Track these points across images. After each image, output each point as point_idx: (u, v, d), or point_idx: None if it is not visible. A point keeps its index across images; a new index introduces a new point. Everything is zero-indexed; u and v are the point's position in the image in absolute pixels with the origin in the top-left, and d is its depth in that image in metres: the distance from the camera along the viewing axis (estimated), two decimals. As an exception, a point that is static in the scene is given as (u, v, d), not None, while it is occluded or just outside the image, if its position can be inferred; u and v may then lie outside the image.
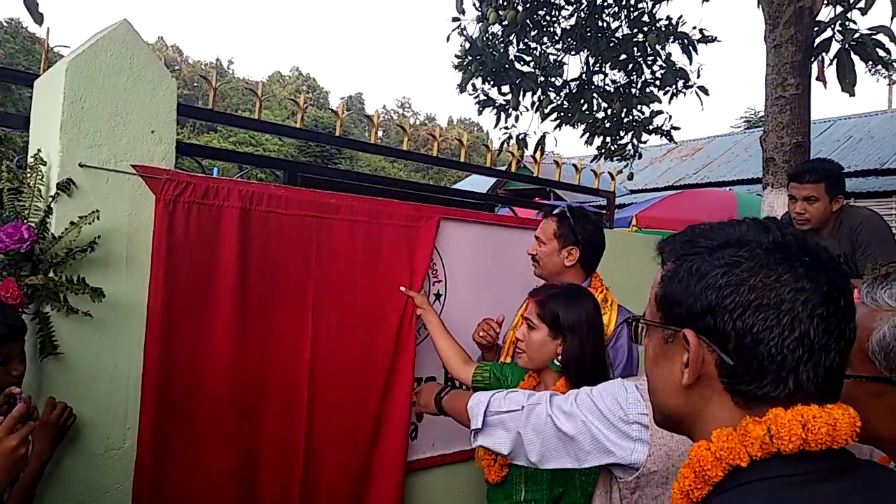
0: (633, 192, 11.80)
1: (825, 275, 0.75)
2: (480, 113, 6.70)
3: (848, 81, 3.92)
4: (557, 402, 1.43)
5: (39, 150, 1.78)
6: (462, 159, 3.03)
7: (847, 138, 11.50)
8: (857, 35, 3.58)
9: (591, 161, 7.36)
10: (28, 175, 1.75)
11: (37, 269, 1.72)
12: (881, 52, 3.86)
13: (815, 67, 3.86)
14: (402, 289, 2.44)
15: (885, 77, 14.97)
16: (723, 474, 0.74)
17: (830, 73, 4.01)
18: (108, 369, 1.85)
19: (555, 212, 2.36)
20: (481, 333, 2.38)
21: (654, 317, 0.86)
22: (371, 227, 2.38)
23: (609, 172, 3.91)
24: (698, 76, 6.51)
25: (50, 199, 1.75)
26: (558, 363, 1.96)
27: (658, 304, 0.85)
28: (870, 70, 4.20)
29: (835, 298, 0.75)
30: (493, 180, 13.20)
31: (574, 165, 3.63)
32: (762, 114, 4.12)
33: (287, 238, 2.18)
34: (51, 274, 1.74)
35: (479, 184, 13.99)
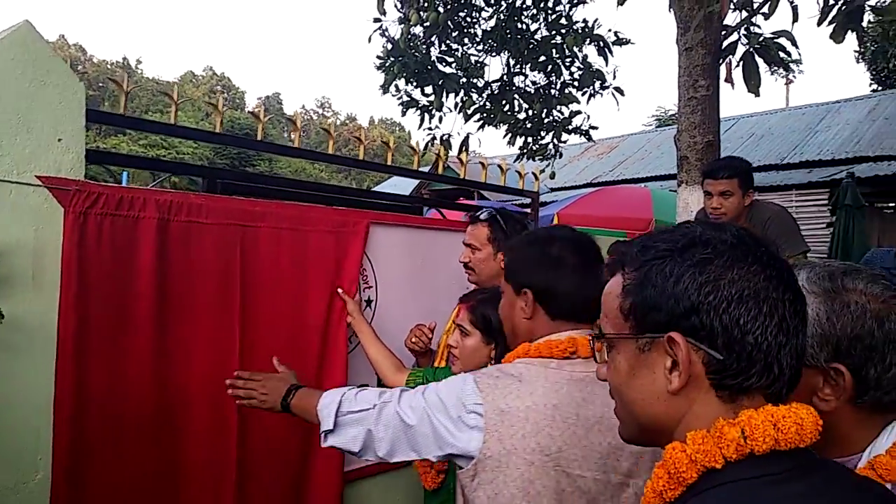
0: (553, 190, 12.07)
1: (780, 263, 0.80)
2: (404, 114, 6.68)
3: (753, 83, 4.14)
4: (406, 396, 1.46)
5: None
6: (388, 161, 3.00)
7: (750, 135, 12.18)
8: (761, 38, 3.79)
9: (514, 161, 7.48)
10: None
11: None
12: (783, 55, 4.10)
13: (723, 69, 4.06)
14: (340, 291, 2.38)
15: (782, 77, 15.97)
16: (696, 475, 0.75)
17: (736, 74, 4.23)
18: (15, 397, 1.71)
19: (482, 216, 2.36)
20: (413, 339, 2.36)
21: (622, 328, 0.85)
22: (298, 235, 2.30)
23: (533, 173, 3.96)
24: (614, 77, 6.71)
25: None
26: None
27: (627, 314, 0.84)
28: (770, 71, 4.46)
29: (793, 282, 0.80)
30: (416, 182, 13.22)
31: (499, 166, 3.66)
32: (672, 112, 4.29)
33: (209, 249, 2.08)
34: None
35: (402, 185, 13.95)
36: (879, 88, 15.02)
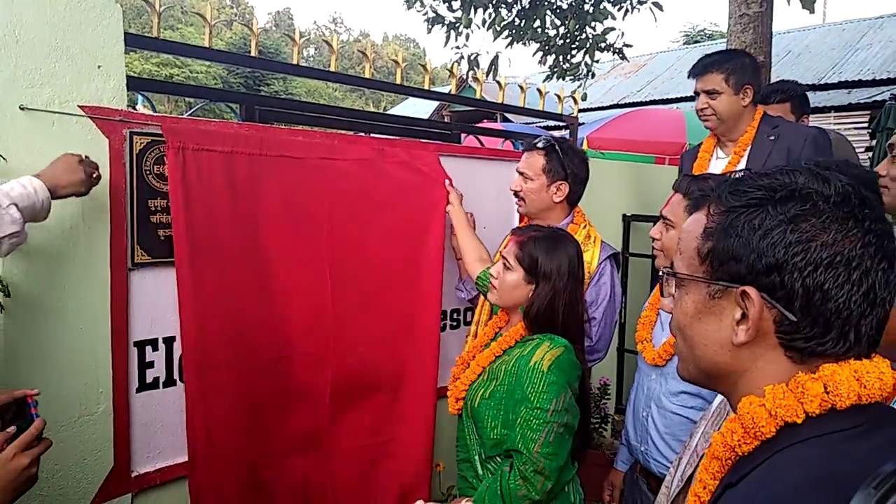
0: (580, 111, 11.76)
1: (882, 226, 0.74)
2: (430, 31, 6.41)
3: (809, -2, 3.89)
4: None
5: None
6: (399, 79, 2.84)
7: (786, 52, 11.65)
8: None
9: (544, 81, 7.22)
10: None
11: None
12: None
13: (779, -17, 3.80)
14: (447, 182, 2.40)
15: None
16: (775, 430, 0.74)
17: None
18: (72, 332, 1.71)
19: (539, 144, 2.25)
20: None
21: (696, 270, 0.83)
22: (380, 168, 2.29)
23: (572, 96, 3.79)
24: (653, -9, 6.35)
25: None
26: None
27: (703, 258, 0.81)
28: (827, -14, 4.18)
29: (892, 250, 0.74)
30: (434, 103, 12.87)
31: (538, 90, 3.51)
32: (701, 28, 4.05)
33: (296, 183, 2.07)
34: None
35: (421, 105, 13.61)
36: (926, 2, 14.19)
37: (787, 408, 0.73)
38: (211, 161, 1.86)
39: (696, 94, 2.72)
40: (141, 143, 1.79)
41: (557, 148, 2.23)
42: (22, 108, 1.58)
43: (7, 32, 1.54)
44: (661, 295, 0.94)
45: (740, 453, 0.77)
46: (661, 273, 0.91)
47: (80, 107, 1.67)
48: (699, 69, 2.67)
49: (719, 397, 1.41)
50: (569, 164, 2.22)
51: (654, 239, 1.97)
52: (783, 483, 0.70)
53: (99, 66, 1.72)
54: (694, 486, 0.84)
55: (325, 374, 2.16)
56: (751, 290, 0.75)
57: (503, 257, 1.93)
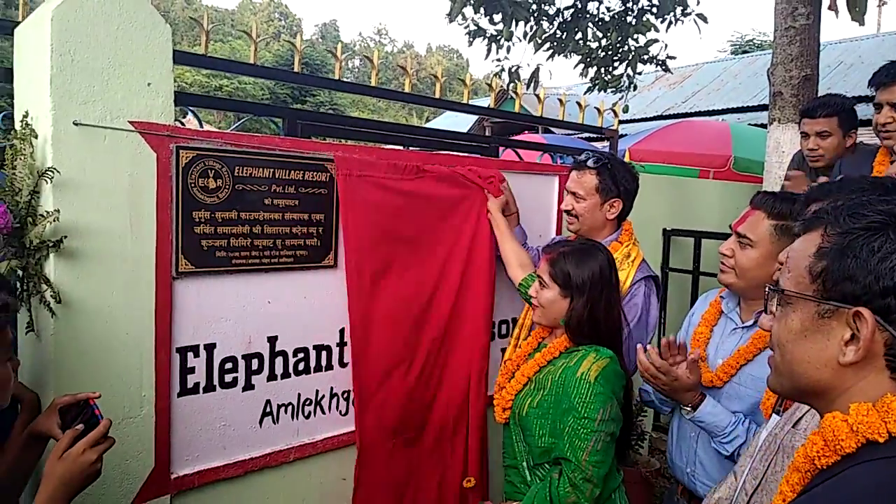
0: (621, 122, 11.61)
1: None
2: (471, 44, 6.46)
3: (858, 10, 3.80)
4: None
5: (27, 114, 1.64)
6: (437, 93, 2.87)
7: (838, 63, 11.32)
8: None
9: (585, 93, 7.19)
10: (16, 138, 1.61)
11: (22, 252, 1.59)
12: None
13: (827, -5, 3.71)
14: (485, 191, 2.48)
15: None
16: (856, 446, 0.75)
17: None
18: (118, 337, 1.78)
19: (590, 163, 2.23)
20: None
21: (806, 289, 0.84)
22: (454, 186, 2.45)
23: (612, 110, 3.78)
24: (697, 3, 6.26)
25: (38, 174, 1.60)
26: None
27: (815, 276, 0.83)
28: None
29: None
30: (474, 115, 12.87)
31: (578, 103, 3.51)
32: (749, 38, 3.98)
33: (424, 200, 2.34)
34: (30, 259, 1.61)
35: (462, 117, 13.64)
36: None
37: (869, 425, 0.75)
38: (368, 184, 2.20)
39: (878, 105, 2.44)
40: (187, 157, 1.85)
41: (609, 165, 2.21)
42: (76, 124, 1.65)
43: (63, 52, 1.62)
44: (765, 311, 0.95)
45: (820, 466, 0.79)
46: (766, 289, 0.93)
47: (130, 122, 1.75)
48: (889, 78, 2.38)
49: (764, 433, 1.38)
50: (621, 181, 2.21)
51: (724, 255, 1.91)
52: (849, 491, 0.72)
53: (149, 84, 1.79)
54: (774, 498, 0.86)
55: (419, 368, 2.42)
56: (865, 312, 0.77)
57: (538, 277, 1.99)
